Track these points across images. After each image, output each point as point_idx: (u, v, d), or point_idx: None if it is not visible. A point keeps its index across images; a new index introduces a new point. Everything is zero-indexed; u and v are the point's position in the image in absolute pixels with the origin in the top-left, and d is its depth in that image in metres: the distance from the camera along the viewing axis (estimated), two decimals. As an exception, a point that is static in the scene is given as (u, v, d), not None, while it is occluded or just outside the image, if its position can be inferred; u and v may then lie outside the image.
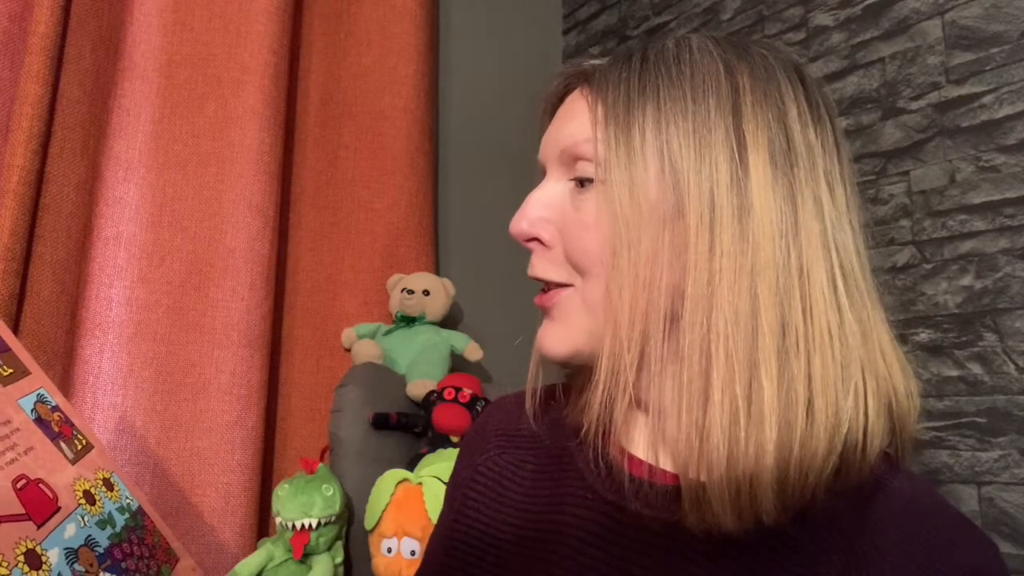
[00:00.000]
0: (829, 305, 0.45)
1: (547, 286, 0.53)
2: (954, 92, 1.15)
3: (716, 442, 0.43)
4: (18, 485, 0.68)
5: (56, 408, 0.81)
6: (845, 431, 0.44)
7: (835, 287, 0.46)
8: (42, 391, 0.80)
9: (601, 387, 0.48)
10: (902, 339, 1.25)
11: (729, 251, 0.45)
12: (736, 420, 0.43)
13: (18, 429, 0.73)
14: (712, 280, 0.45)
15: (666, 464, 0.51)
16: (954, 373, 1.12)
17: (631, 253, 0.46)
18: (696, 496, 0.45)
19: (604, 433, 0.52)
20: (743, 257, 0.45)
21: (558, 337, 0.52)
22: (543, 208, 0.53)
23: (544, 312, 0.54)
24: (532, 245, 0.54)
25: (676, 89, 0.48)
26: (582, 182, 0.51)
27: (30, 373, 0.81)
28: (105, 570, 0.74)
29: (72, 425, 0.82)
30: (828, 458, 0.43)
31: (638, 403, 0.52)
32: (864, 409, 0.45)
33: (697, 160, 0.46)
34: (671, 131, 0.47)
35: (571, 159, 0.51)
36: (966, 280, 1.12)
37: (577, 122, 0.52)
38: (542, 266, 0.53)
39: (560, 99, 0.56)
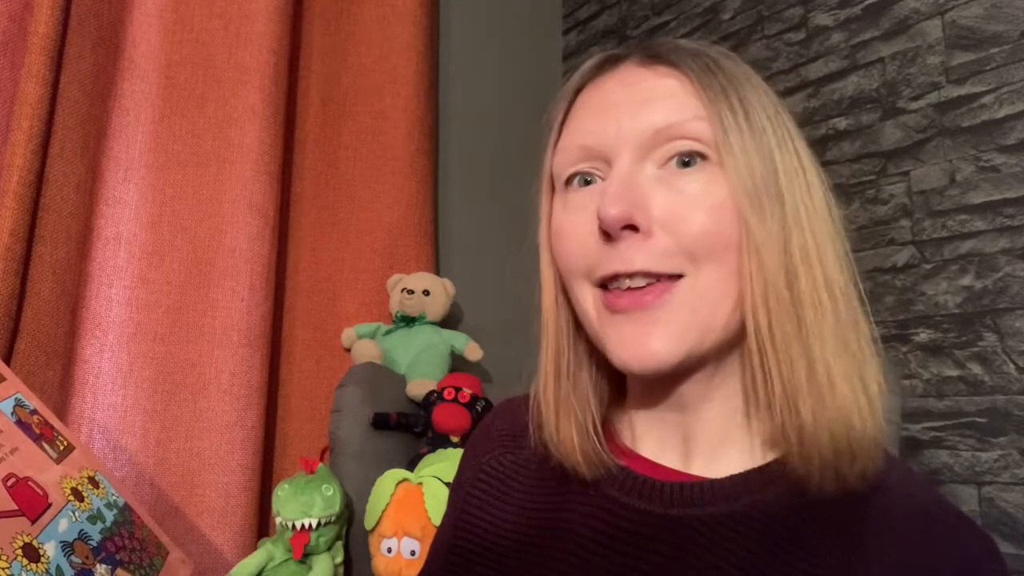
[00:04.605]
0: (856, 282, 0.49)
1: (627, 280, 0.48)
2: (954, 92, 1.15)
3: (836, 410, 0.46)
4: (8, 483, 0.69)
5: (35, 412, 0.82)
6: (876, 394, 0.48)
7: (852, 266, 0.50)
8: (19, 396, 0.81)
9: (758, 370, 0.47)
10: (902, 339, 1.25)
11: (814, 230, 0.48)
12: (852, 388, 0.46)
13: (1, 431, 0.74)
14: (811, 257, 0.47)
15: (672, 462, 0.51)
16: (954, 373, 1.12)
17: (765, 226, 0.46)
18: (809, 470, 0.46)
19: (609, 434, 0.52)
20: (822, 236, 0.48)
21: (672, 341, 0.47)
22: (635, 192, 0.47)
23: (637, 311, 0.47)
24: (625, 233, 0.47)
25: (743, 78, 0.50)
26: (687, 162, 0.48)
27: (5, 379, 0.82)
28: (100, 561, 0.75)
29: (52, 427, 0.83)
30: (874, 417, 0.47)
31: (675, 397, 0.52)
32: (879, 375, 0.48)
33: (779, 142, 0.49)
34: (759, 113, 0.49)
35: (666, 140, 0.48)
36: (966, 280, 1.12)
37: (673, 101, 0.48)
38: (643, 257, 0.47)
39: (577, 91, 0.53)
